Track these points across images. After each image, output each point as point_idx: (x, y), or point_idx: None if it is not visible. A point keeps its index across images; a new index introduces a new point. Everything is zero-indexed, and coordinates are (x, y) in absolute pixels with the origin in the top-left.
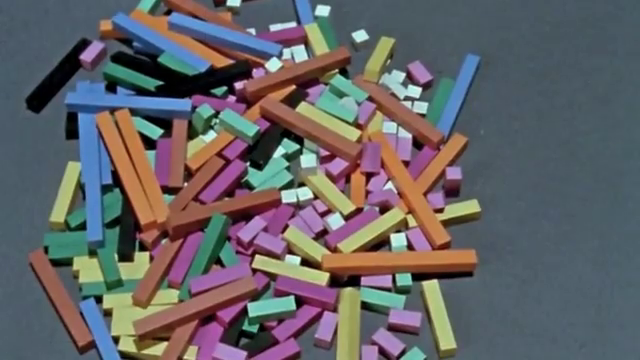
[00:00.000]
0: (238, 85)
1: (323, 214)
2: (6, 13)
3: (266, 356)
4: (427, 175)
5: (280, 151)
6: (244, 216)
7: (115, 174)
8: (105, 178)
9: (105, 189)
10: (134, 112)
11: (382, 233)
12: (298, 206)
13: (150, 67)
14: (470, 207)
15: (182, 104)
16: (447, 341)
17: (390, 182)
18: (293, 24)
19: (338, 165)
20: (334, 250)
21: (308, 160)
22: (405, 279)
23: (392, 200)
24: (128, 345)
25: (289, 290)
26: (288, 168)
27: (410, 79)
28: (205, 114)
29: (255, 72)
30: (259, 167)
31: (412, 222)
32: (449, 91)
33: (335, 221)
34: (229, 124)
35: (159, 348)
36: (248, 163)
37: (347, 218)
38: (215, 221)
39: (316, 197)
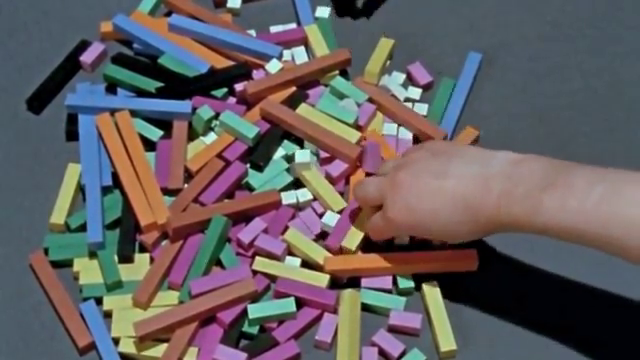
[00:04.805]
0: (238, 87)
1: (322, 215)
2: (6, 14)
3: (266, 357)
4: None
5: (280, 152)
6: (244, 217)
7: (115, 175)
8: (105, 179)
9: (105, 190)
10: (134, 113)
11: None
12: (298, 207)
13: (150, 68)
14: None
15: (182, 106)
16: (447, 342)
17: None
18: (293, 25)
19: (338, 167)
20: (340, 250)
21: (302, 155)
22: (407, 282)
23: None
24: (128, 346)
25: (289, 292)
26: (288, 170)
27: (410, 80)
28: (205, 116)
29: (255, 73)
30: (259, 169)
31: None
32: (450, 91)
33: (330, 219)
34: (229, 126)
35: (159, 349)
36: (248, 165)
37: None
38: (215, 222)
39: (315, 198)
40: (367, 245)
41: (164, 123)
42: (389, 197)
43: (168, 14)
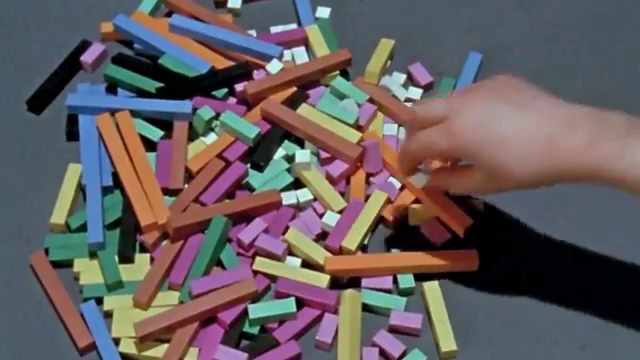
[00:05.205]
0: (239, 87)
1: (322, 215)
2: (6, 14)
3: (267, 358)
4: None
5: (281, 153)
6: (245, 218)
7: (116, 176)
8: (106, 180)
9: (106, 191)
10: (135, 114)
11: (375, 218)
12: (298, 208)
13: (151, 69)
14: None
15: (183, 106)
16: (448, 342)
17: (392, 178)
18: (294, 26)
19: (338, 167)
20: (340, 250)
21: (303, 155)
22: (408, 281)
23: (391, 193)
24: (129, 347)
25: (290, 292)
26: (289, 170)
27: (411, 80)
28: (206, 116)
29: (256, 74)
30: (260, 169)
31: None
32: (451, 91)
33: (330, 219)
34: (230, 126)
35: (160, 350)
36: (249, 165)
37: None
38: (216, 223)
39: (315, 198)
40: (367, 245)
41: (165, 123)
42: (461, 111)
43: (169, 14)
